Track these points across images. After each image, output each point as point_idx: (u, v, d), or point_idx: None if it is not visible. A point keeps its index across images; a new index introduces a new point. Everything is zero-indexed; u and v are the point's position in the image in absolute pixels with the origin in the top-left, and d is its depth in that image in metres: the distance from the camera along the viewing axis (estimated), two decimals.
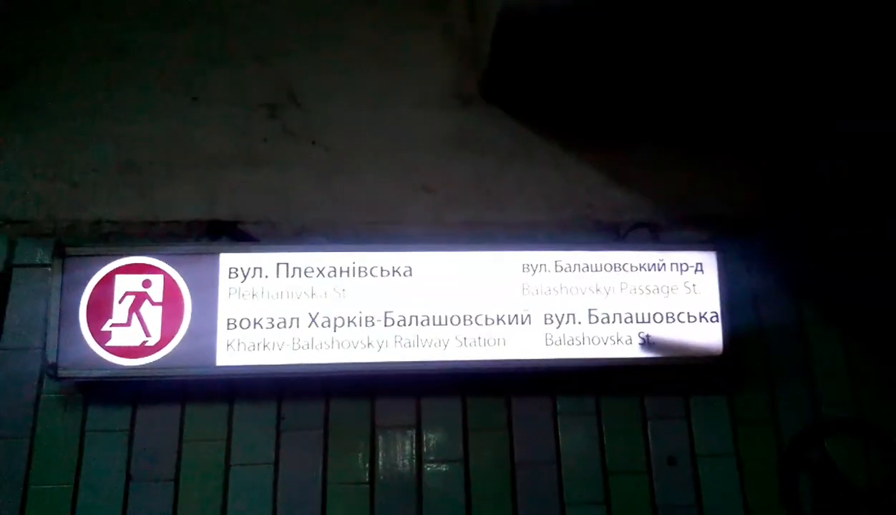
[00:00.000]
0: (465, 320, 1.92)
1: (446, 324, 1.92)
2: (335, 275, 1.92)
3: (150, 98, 2.13)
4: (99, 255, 1.86)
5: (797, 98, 2.21)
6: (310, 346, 1.86)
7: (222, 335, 1.85)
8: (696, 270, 2.02)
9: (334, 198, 2.11)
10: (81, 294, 1.83)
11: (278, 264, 1.91)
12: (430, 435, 1.93)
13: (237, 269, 1.90)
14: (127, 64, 2.14)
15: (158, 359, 1.81)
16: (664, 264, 2.02)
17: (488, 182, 2.17)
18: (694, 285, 2.01)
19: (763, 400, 2.05)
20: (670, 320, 1.98)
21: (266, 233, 2.05)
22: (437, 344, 1.90)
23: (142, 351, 1.81)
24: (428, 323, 1.91)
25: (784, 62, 2.02)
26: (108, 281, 1.85)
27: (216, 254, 1.90)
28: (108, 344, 1.80)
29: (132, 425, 1.85)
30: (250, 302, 1.88)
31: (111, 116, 2.11)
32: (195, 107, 2.14)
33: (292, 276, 1.91)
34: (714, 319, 1.98)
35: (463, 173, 2.17)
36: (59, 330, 1.79)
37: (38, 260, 1.94)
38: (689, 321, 1.98)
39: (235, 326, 1.86)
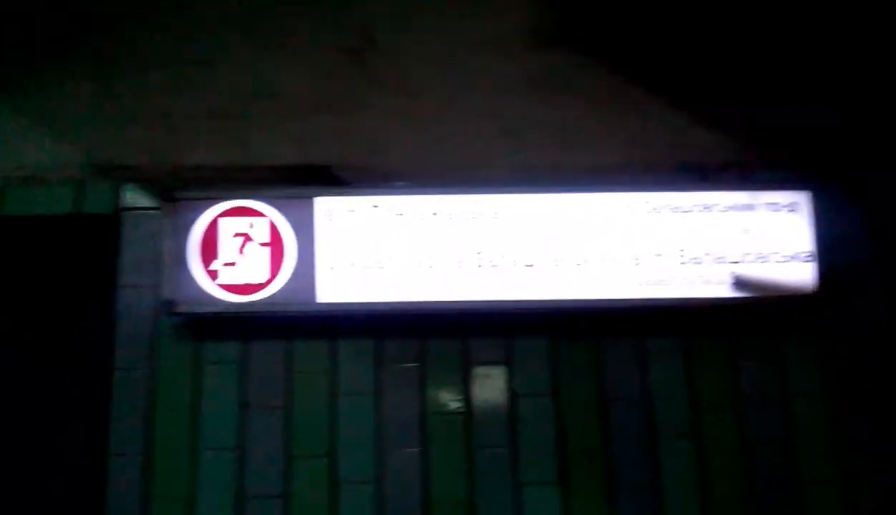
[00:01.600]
0: (553, 262, 1.95)
1: (534, 266, 1.95)
2: (426, 218, 1.96)
3: (232, 45, 2.15)
4: (205, 199, 1.95)
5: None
6: (404, 286, 1.92)
7: (321, 274, 1.92)
8: (789, 210, 1.99)
9: (418, 143, 2.12)
10: (189, 235, 1.92)
11: (373, 206, 1.96)
12: (521, 372, 1.99)
13: (332, 211, 1.96)
14: (208, 12, 2.16)
15: (265, 297, 1.90)
16: (756, 204, 1.99)
17: (571, 125, 2.15)
18: (787, 224, 1.98)
19: (855, 341, 2.03)
20: (762, 260, 1.96)
21: (355, 177, 2.09)
22: (527, 285, 1.94)
23: (249, 288, 1.90)
24: (517, 265, 1.95)
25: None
26: (215, 223, 1.94)
27: (312, 197, 1.97)
28: (218, 282, 1.90)
29: (244, 358, 1.96)
30: (345, 242, 1.94)
31: (197, 64, 2.14)
32: (279, 53, 2.16)
33: (385, 218, 1.96)
34: (808, 259, 1.96)
35: (546, 116, 2.15)
36: (171, 269, 1.90)
37: (144, 204, 2.04)
38: (781, 261, 1.96)
39: (333, 267, 1.93)
